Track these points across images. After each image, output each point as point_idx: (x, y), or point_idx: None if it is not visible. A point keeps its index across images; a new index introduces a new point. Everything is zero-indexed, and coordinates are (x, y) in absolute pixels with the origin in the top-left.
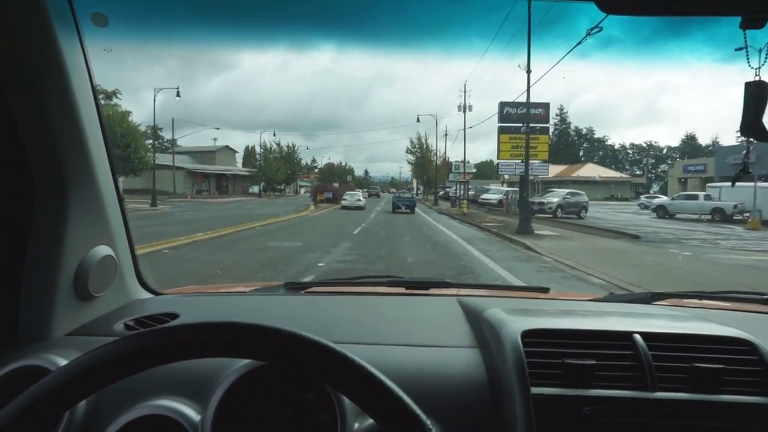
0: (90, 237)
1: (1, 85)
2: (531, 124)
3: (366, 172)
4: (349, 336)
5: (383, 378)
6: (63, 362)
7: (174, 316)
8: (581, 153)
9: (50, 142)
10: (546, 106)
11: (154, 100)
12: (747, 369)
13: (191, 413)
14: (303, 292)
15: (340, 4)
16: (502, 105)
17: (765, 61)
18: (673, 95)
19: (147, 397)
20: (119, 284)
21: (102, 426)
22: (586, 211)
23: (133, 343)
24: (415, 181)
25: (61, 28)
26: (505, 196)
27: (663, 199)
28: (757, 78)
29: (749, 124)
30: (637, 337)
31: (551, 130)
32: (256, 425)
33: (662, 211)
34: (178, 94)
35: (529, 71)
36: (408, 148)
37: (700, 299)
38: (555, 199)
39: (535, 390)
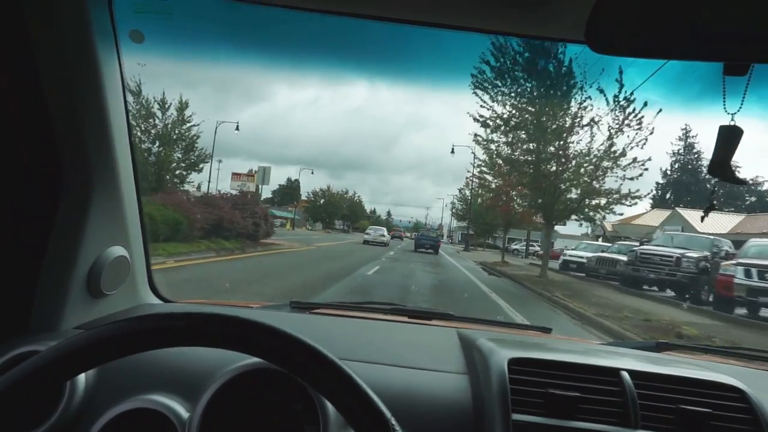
0: (107, 236)
1: (42, 89)
2: None
3: (389, 213)
4: (343, 352)
5: (351, 372)
6: None
7: None
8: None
9: (81, 144)
10: None
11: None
12: (735, 416)
13: (181, 410)
14: (308, 311)
15: (373, 40)
16: None
17: (741, 108)
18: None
19: (141, 391)
20: (131, 286)
21: (96, 415)
22: None
23: (111, 330)
24: (449, 222)
25: (101, 41)
26: None
27: None
28: (731, 123)
29: (718, 166)
30: (624, 374)
31: (670, 160)
32: (244, 428)
33: None
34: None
35: None
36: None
37: (706, 352)
38: None
39: (516, 417)
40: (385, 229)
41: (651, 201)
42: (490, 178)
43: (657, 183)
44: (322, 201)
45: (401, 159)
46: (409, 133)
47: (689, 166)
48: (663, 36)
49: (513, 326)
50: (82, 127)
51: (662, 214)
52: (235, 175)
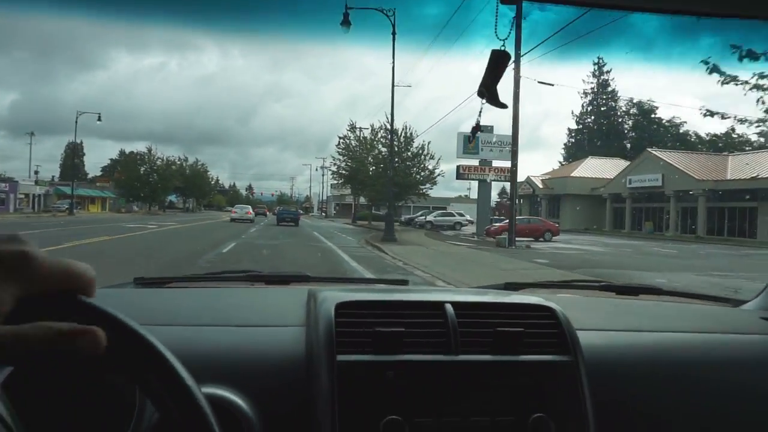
0: None
1: None
2: None
3: (250, 187)
4: (183, 319)
5: (165, 350)
6: None
7: None
8: (629, 141)
9: None
10: None
11: None
12: (545, 332)
13: None
14: (156, 287)
15: None
16: None
17: (510, 33)
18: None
19: None
20: None
21: None
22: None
23: None
24: (320, 192)
25: None
26: None
27: None
28: (501, 48)
29: (486, 89)
30: (448, 306)
31: (584, 98)
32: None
33: None
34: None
35: None
36: None
37: (547, 287)
38: None
39: (341, 357)
40: (250, 207)
41: (563, 151)
42: None
43: (569, 130)
44: (142, 171)
45: (262, 131)
46: (269, 103)
47: (603, 108)
48: None
49: (368, 281)
50: None
51: (609, 163)
52: None
